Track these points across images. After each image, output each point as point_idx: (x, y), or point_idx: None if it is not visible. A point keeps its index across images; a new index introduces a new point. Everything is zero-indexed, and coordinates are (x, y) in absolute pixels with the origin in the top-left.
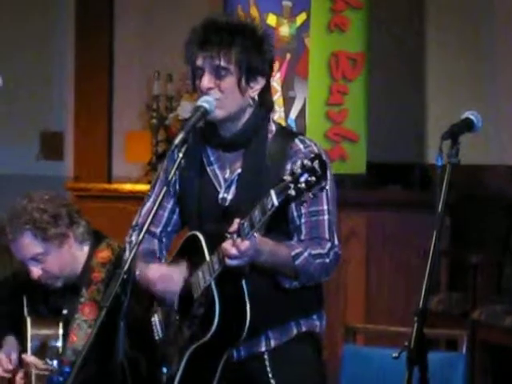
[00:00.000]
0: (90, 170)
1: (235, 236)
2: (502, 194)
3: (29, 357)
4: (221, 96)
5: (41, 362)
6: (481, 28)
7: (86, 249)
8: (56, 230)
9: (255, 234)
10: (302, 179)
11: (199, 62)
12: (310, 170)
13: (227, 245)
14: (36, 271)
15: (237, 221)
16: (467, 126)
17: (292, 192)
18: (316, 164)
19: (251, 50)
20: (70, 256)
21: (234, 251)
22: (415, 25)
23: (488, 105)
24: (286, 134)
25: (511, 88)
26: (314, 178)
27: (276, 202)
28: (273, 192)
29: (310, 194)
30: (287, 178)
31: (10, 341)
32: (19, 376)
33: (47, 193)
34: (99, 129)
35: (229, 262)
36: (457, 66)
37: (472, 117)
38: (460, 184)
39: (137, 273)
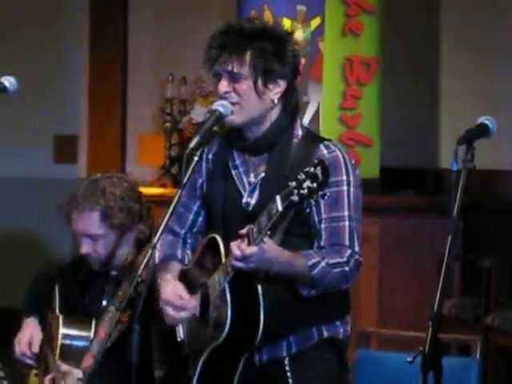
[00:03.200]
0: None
1: (244, 239)
2: None
3: (64, 366)
4: (239, 99)
5: (76, 371)
6: (496, 33)
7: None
8: (123, 221)
9: (264, 240)
10: (305, 185)
11: (216, 68)
12: (312, 177)
13: (233, 246)
14: (86, 248)
15: (248, 226)
16: (482, 131)
17: (295, 198)
18: (318, 170)
19: (268, 53)
20: (124, 249)
21: (237, 252)
22: (429, 29)
23: (501, 110)
24: (312, 140)
25: None
26: (315, 185)
27: (280, 208)
28: (278, 197)
29: (313, 201)
30: (292, 183)
31: (33, 324)
32: (47, 378)
33: (127, 180)
34: (113, 132)
35: (234, 263)
36: (470, 72)
37: (487, 122)
38: (473, 189)
39: (158, 281)
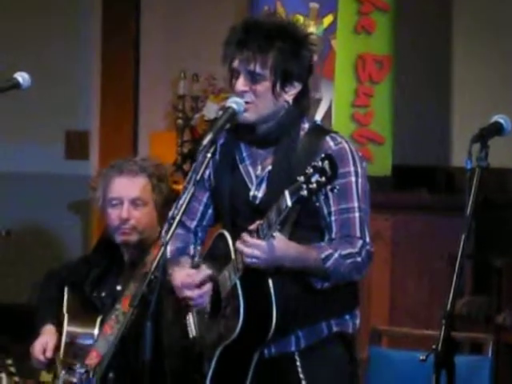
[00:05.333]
0: None
1: (254, 235)
2: None
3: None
4: (254, 99)
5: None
6: (508, 31)
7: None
8: (165, 198)
9: (274, 235)
10: (313, 179)
11: (235, 64)
12: (320, 171)
13: (239, 243)
14: (128, 212)
15: (257, 222)
16: (497, 129)
17: (304, 192)
18: (326, 164)
19: (288, 55)
20: (156, 224)
21: (246, 249)
22: (442, 28)
23: None
24: (318, 132)
25: None
26: (323, 179)
27: (289, 203)
28: (287, 192)
29: (322, 195)
30: (300, 178)
31: (49, 330)
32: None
33: None
34: (124, 128)
35: (245, 260)
36: (483, 70)
37: (501, 121)
38: (486, 187)
39: (168, 276)
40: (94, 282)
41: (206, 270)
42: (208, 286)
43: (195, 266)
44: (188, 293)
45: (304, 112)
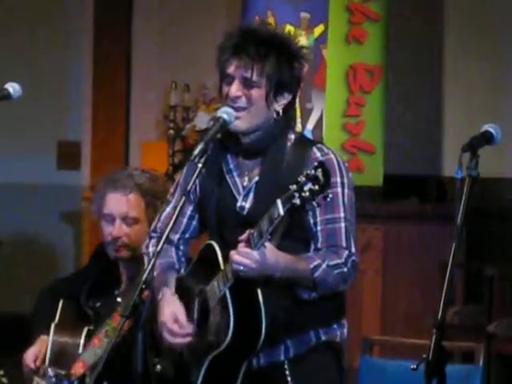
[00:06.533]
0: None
1: (244, 244)
2: None
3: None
4: (248, 105)
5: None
6: (500, 41)
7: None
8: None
9: (265, 244)
10: (306, 188)
11: (230, 70)
12: (313, 179)
13: (233, 251)
14: (119, 230)
15: (248, 231)
16: (487, 138)
17: (297, 201)
18: (319, 172)
19: (283, 65)
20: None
21: (237, 257)
22: (433, 37)
23: (505, 118)
24: (305, 143)
25: None
26: (316, 187)
27: (282, 212)
28: (279, 201)
29: (314, 203)
30: (292, 187)
31: (43, 340)
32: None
33: None
34: (116, 139)
35: (235, 267)
36: (474, 79)
37: (491, 130)
38: (476, 196)
39: (158, 297)
40: (89, 291)
41: (192, 327)
42: (187, 340)
43: (180, 284)
44: (167, 336)
45: (291, 123)
